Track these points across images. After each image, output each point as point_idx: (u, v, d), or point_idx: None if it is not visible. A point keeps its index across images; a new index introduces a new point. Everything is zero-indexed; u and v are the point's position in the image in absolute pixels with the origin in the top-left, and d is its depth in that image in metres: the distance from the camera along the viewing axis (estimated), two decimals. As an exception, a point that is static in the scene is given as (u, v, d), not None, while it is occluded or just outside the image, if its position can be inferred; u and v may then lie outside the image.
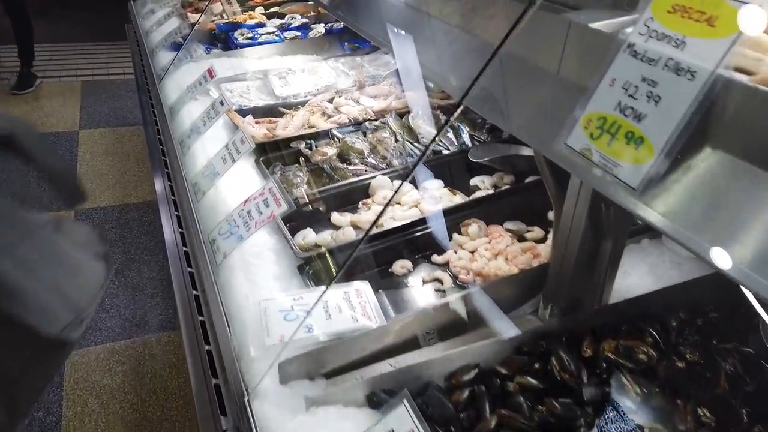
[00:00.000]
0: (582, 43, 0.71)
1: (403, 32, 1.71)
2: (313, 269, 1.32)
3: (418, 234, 1.38)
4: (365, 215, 1.46)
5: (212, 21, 3.16)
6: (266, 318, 1.09)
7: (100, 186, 3.59)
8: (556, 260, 1.10)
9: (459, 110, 0.95)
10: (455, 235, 1.39)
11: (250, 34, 2.98)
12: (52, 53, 5.59)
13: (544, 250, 1.31)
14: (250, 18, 3.40)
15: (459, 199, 1.48)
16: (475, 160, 1.57)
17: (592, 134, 0.60)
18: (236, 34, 3.01)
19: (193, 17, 3.34)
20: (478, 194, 1.52)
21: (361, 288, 1.16)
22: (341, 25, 3.19)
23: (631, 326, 1.02)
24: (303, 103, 2.17)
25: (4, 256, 0.56)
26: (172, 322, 2.63)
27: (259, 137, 1.91)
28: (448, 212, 1.41)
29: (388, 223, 1.40)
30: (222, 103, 1.87)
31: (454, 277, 1.30)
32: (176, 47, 2.84)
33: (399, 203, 1.50)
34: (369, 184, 1.59)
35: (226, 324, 1.19)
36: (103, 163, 3.85)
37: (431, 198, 1.48)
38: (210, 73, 2.11)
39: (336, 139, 1.84)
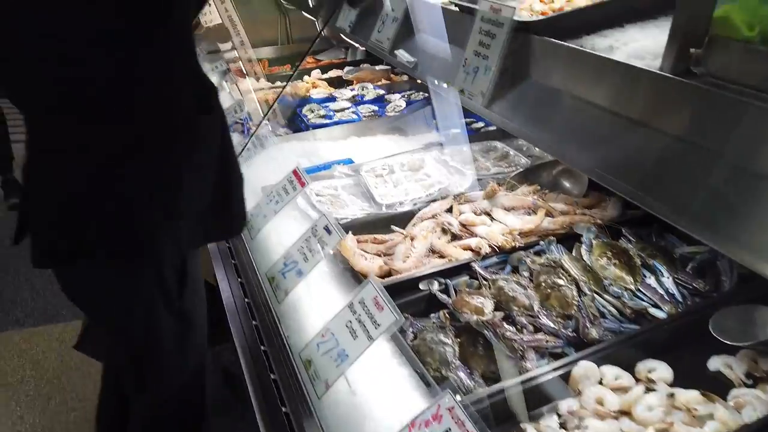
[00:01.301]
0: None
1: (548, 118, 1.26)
2: None
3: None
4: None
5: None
6: None
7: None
8: None
9: None
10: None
11: (322, 111, 2.55)
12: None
13: None
14: (314, 87, 2.99)
15: (725, 414, 0.96)
16: (729, 342, 1.06)
17: None
18: (305, 110, 2.59)
19: (242, 81, 2.94)
20: (743, 405, 1.00)
21: None
22: (421, 96, 2.77)
23: None
24: (413, 214, 1.70)
25: None
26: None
27: (375, 273, 1.43)
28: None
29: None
30: (328, 230, 1.40)
31: None
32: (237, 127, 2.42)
33: (629, 414, 0.99)
34: (568, 372, 1.08)
35: None
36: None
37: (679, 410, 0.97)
38: (299, 179, 1.65)
39: (485, 282, 1.35)
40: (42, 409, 2.09)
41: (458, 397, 0.90)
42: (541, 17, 1.34)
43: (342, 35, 2.41)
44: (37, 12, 0.91)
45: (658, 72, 0.99)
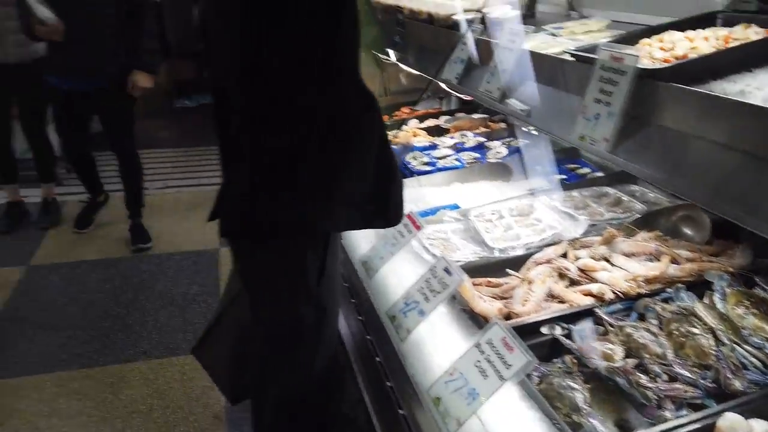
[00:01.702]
0: None
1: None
2: None
3: None
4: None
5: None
6: None
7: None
8: None
9: None
10: None
11: (426, 159, 2.63)
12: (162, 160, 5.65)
13: None
14: (414, 136, 3.09)
15: None
16: None
17: None
18: (408, 158, 2.68)
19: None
20: None
21: None
22: (521, 143, 2.79)
23: None
24: (526, 258, 1.71)
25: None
26: None
27: (495, 315, 1.44)
28: None
29: None
30: (449, 272, 1.44)
31: None
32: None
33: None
34: (710, 425, 1.04)
35: None
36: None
37: None
38: (414, 222, 1.72)
39: (611, 328, 1.33)
40: (169, 437, 2.23)
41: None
42: (665, 65, 1.35)
43: (447, 87, 2.50)
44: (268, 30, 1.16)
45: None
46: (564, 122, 1.58)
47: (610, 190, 2.05)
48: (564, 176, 2.38)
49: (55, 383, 2.54)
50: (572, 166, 2.50)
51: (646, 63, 1.40)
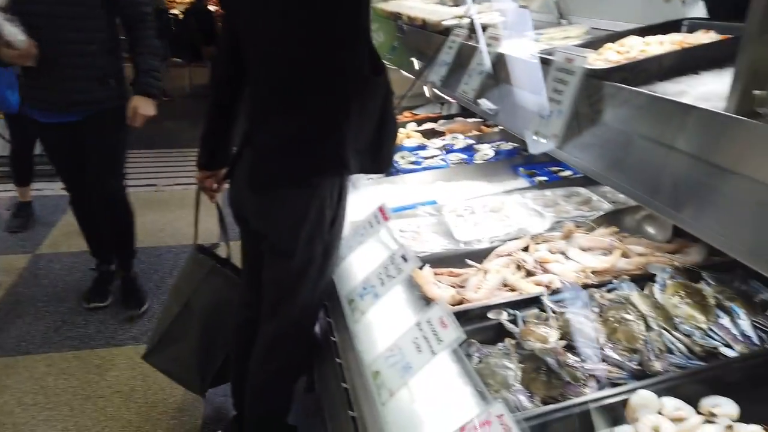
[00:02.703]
0: None
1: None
2: None
3: None
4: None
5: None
6: None
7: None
8: None
9: None
10: None
11: (413, 158, 2.71)
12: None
13: None
14: (408, 137, 3.17)
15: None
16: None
17: None
18: (396, 157, 2.77)
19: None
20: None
21: None
22: (510, 146, 2.86)
23: None
24: (490, 251, 1.77)
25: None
26: None
27: (446, 300, 1.51)
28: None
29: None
30: (405, 259, 1.52)
31: None
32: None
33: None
34: (626, 400, 1.10)
35: None
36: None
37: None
38: (383, 214, 1.80)
39: (552, 314, 1.39)
40: (147, 416, 2.33)
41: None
42: (610, 65, 1.41)
43: (432, 89, 2.58)
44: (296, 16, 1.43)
45: (720, 112, 1.03)
46: (526, 121, 1.65)
47: (582, 190, 2.11)
48: (545, 177, 2.44)
49: (45, 363, 2.67)
50: (555, 168, 2.56)
51: (598, 64, 1.47)
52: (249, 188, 1.59)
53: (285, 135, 1.53)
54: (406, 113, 3.80)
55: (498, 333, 1.43)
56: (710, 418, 1.04)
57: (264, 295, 1.73)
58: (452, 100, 2.99)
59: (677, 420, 1.03)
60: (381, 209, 1.82)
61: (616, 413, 1.10)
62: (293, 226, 1.56)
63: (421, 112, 3.85)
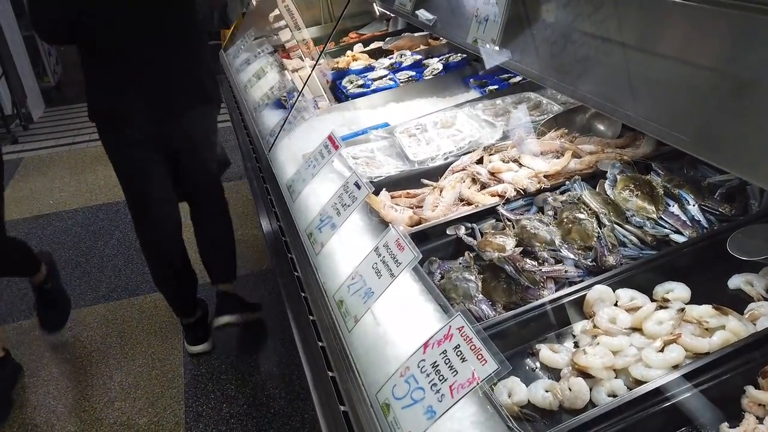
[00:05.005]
0: None
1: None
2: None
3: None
4: (595, 357, 1.00)
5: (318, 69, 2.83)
6: None
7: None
8: None
9: None
10: (750, 391, 0.91)
11: (361, 81, 2.62)
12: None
13: None
14: (354, 60, 3.06)
15: (737, 325, 0.98)
16: (745, 258, 1.07)
17: None
18: (344, 82, 2.67)
19: (290, 63, 3.05)
20: (758, 317, 1.01)
21: None
22: (459, 57, 2.78)
23: None
24: (445, 168, 1.76)
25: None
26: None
27: (404, 224, 1.51)
28: (738, 352, 0.92)
29: (641, 370, 0.94)
30: (358, 186, 1.49)
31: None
32: (279, 104, 2.55)
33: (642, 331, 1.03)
34: (583, 297, 1.13)
35: None
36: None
37: (692, 323, 1.00)
38: (333, 143, 1.75)
39: (508, 222, 1.40)
40: (128, 370, 2.34)
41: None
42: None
43: (375, 5, 2.46)
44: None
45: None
46: (465, 29, 1.58)
47: (532, 95, 2.08)
48: (496, 86, 2.40)
49: (16, 332, 2.62)
50: (506, 75, 2.51)
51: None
52: None
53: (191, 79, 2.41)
54: (352, 34, 3.65)
55: (458, 247, 1.44)
56: (663, 303, 1.07)
57: None
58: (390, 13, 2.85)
59: (632, 309, 1.07)
60: (330, 138, 1.77)
61: (575, 311, 1.13)
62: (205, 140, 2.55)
63: (367, 32, 3.70)
